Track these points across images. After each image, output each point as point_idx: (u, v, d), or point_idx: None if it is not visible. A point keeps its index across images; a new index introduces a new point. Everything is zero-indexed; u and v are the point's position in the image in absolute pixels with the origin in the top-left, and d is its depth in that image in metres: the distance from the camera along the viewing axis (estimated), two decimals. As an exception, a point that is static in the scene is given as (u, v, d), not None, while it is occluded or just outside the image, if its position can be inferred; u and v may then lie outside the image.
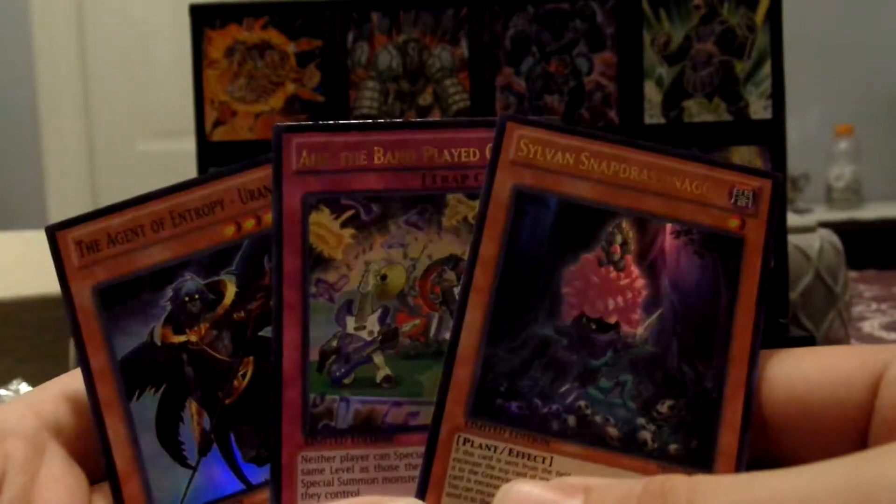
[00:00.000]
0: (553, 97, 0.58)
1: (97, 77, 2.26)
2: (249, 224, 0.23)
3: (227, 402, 0.23)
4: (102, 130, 2.28)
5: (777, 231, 0.55)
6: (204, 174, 0.25)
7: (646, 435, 0.23)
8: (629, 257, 0.23)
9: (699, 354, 0.23)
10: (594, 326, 0.23)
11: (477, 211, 0.23)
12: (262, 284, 0.23)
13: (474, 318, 0.23)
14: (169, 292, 0.23)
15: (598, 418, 0.23)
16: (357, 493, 0.23)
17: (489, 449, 0.22)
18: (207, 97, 0.59)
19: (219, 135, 0.59)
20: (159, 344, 0.23)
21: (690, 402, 0.23)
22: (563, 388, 0.23)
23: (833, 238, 0.66)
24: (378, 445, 0.23)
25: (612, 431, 0.23)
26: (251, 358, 0.23)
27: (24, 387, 0.48)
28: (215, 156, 0.59)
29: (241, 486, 0.23)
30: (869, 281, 1.09)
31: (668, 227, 0.23)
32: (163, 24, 2.19)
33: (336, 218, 0.23)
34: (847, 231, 0.80)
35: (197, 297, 0.23)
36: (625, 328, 0.23)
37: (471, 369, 0.22)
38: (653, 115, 0.57)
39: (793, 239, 0.61)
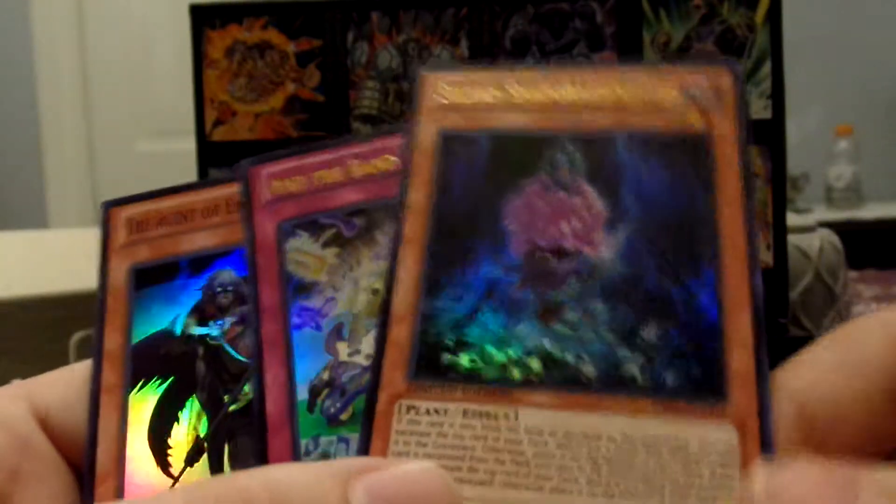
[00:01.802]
0: (553, 97, 0.58)
1: (97, 77, 2.26)
2: None
3: (231, 407, 0.21)
4: (102, 130, 2.28)
5: (775, 219, 0.55)
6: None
7: (632, 368, 0.19)
8: (581, 179, 0.21)
9: (683, 267, 0.20)
10: (550, 256, 0.20)
11: (401, 161, 0.21)
12: None
13: (409, 271, 0.20)
14: (203, 280, 0.21)
15: (568, 357, 0.19)
16: None
17: (438, 413, 0.19)
18: (207, 97, 0.59)
19: (219, 134, 0.59)
20: (179, 333, 0.21)
21: (683, 323, 0.20)
22: (520, 330, 0.20)
23: (833, 238, 0.66)
24: None
25: (588, 370, 0.19)
26: None
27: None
28: (215, 156, 0.59)
29: None
30: (868, 281, 1.09)
31: (621, 139, 0.21)
32: (163, 24, 2.19)
33: (316, 240, 0.21)
34: (847, 231, 0.80)
35: (230, 288, 0.21)
36: (587, 252, 0.20)
37: (409, 326, 0.20)
38: (653, 114, 0.57)
39: (793, 239, 0.61)
